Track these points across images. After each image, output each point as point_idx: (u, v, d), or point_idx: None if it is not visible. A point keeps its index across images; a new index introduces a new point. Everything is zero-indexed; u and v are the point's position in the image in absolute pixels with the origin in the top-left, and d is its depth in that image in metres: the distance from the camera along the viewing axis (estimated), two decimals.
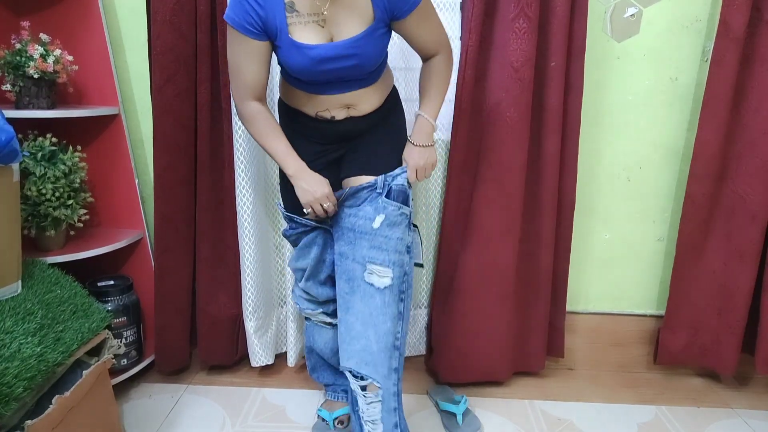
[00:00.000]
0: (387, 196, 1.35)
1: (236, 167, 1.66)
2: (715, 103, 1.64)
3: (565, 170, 1.71)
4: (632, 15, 1.73)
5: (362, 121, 1.37)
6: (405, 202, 1.38)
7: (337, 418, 1.60)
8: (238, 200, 1.68)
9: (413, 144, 1.40)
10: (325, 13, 1.23)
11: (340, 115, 1.34)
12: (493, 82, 1.62)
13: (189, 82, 1.62)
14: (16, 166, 1.30)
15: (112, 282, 1.72)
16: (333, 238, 1.43)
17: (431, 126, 1.39)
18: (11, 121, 1.28)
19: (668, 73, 1.77)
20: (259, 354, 1.82)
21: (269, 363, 1.85)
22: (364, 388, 1.35)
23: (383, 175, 1.36)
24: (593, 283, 1.96)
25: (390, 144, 1.42)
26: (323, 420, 1.60)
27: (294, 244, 1.51)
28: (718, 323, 1.81)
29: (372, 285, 1.34)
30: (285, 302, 1.80)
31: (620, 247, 1.93)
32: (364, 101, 1.35)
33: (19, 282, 1.35)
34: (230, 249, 1.78)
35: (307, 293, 1.52)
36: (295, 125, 1.40)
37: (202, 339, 1.81)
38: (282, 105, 1.43)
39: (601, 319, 1.97)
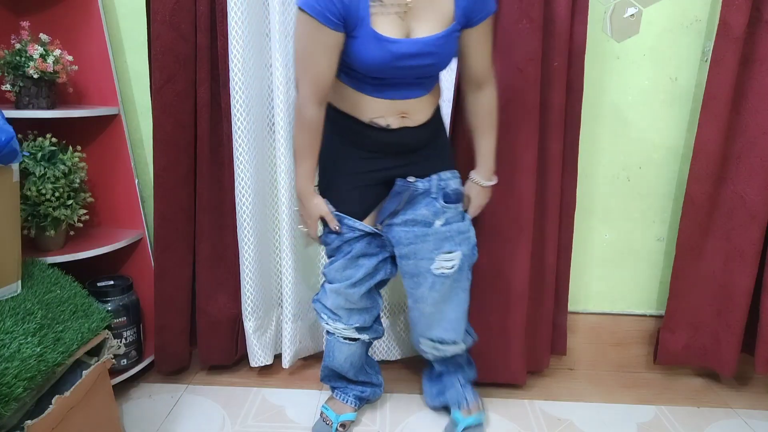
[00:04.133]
0: (445, 201, 1.40)
1: (236, 167, 1.66)
2: (715, 103, 1.64)
3: (566, 170, 1.70)
4: (632, 15, 1.73)
5: (415, 133, 1.36)
6: (459, 200, 1.44)
7: (342, 422, 1.59)
8: (237, 200, 1.68)
9: (478, 184, 1.47)
10: (410, 3, 1.20)
11: (395, 123, 1.33)
12: (499, 83, 1.61)
13: (189, 83, 1.62)
14: (16, 166, 1.30)
15: (112, 282, 1.72)
16: (381, 244, 1.44)
17: (493, 166, 1.47)
18: (11, 121, 1.28)
19: (668, 73, 1.77)
20: (258, 354, 1.82)
21: (268, 363, 1.85)
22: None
23: (435, 178, 1.39)
24: (593, 283, 1.96)
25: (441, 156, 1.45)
26: (326, 418, 1.59)
27: (332, 253, 1.45)
28: (718, 323, 1.81)
29: (442, 275, 1.40)
30: (284, 303, 1.80)
31: (620, 247, 1.93)
32: (418, 110, 1.34)
33: (19, 282, 1.35)
34: (230, 249, 1.78)
35: (339, 307, 1.49)
36: (346, 133, 1.36)
37: (201, 339, 1.81)
38: (332, 111, 1.36)
39: (601, 319, 1.97)
